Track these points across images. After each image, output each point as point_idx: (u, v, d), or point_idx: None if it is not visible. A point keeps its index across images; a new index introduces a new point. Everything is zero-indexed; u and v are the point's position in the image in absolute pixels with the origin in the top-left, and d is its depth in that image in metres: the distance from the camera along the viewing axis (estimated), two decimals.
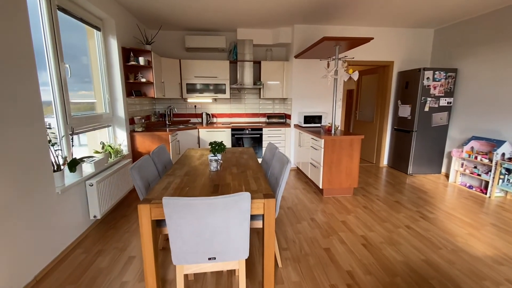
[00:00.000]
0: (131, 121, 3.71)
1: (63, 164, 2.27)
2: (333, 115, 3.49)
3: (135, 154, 3.72)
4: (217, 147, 2.17)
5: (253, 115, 5.18)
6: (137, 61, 3.63)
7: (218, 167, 2.11)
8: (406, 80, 4.43)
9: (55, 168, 2.19)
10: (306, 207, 3.12)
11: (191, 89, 4.65)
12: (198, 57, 4.84)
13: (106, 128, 3.40)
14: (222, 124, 4.83)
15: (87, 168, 2.66)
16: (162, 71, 4.25)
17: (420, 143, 4.31)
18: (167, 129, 4.03)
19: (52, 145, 2.12)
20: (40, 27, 2.27)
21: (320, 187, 3.42)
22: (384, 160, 4.99)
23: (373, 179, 4.22)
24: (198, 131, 4.52)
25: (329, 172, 3.37)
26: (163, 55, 4.73)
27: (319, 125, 4.35)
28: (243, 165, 2.29)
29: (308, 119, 4.32)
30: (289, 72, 4.66)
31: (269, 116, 4.97)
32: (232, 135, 4.59)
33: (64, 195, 2.23)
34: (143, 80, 3.72)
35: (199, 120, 5.05)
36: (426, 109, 4.20)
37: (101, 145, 2.97)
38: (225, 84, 4.66)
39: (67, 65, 2.48)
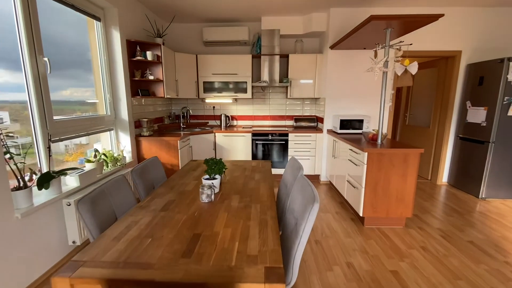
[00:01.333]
0: (137, 124, 3.28)
1: (30, 180, 1.84)
2: (381, 119, 2.67)
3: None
4: (214, 166, 1.55)
5: (278, 118, 4.48)
6: (145, 56, 3.18)
7: (213, 196, 1.48)
8: (480, 74, 3.37)
9: (20, 185, 1.76)
10: (340, 243, 2.36)
11: (209, 88, 4.12)
12: (218, 52, 4.29)
13: (108, 132, 3.01)
14: (243, 127, 4.23)
15: (72, 182, 2.23)
16: (176, 68, 3.78)
17: (500, 158, 3.24)
18: (181, 133, 3.55)
19: (11, 157, 1.68)
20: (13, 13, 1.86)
21: (360, 215, 2.62)
22: (443, 177, 3.95)
23: (431, 203, 3.26)
24: (215, 136, 3.97)
25: (373, 195, 2.56)
26: (178, 50, 4.27)
27: (359, 131, 3.51)
28: (251, 192, 1.63)
29: (345, 123, 3.51)
30: (322, 67, 3.89)
31: (297, 119, 4.24)
32: (253, 141, 3.95)
33: (29, 219, 1.79)
34: (151, 77, 3.26)
35: (218, 122, 4.50)
36: (510, 113, 3.13)
37: (93, 153, 2.54)
38: (246, 82, 4.05)
39: (46, 59, 2.06)
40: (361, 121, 3.49)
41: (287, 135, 3.91)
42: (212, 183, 1.52)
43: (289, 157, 3.96)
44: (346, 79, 3.66)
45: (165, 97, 3.44)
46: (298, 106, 4.43)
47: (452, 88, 3.69)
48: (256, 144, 3.96)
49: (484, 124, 3.29)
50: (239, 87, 4.10)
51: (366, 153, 2.48)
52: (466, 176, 3.58)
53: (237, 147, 3.98)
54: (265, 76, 4.03)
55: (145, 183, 1.85)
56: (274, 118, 4.48)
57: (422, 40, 3.54)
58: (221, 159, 1.61)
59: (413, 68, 2.51)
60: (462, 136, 3.66)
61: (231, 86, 4.11)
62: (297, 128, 4.13)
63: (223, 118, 4.30)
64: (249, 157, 3.99)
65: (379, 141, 2.70)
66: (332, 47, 3.49)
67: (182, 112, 4.23)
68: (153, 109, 3.79)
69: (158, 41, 3.39)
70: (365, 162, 2.50)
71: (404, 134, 4.78)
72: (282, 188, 2.00)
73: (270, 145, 3.96)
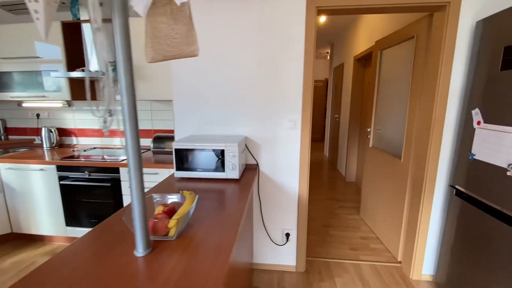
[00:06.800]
0: None
1: None
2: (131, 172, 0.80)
3: None
4: None
5: (143, 134, 2.64)
6: None
7: None
8: (508, 42, 1.34)
9: None
10: None
11: (8, 83, 2.38)
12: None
13: None
14: (76, 150, 2.45)
15: None
16: None
17: None
18: None
19: None
20: None
21: None
22: (423, 266, 1.92)
23: None
24: None
25: None
26: None
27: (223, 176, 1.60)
28: None
29: (189, 158, 1.61)
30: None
31: (159, 137, 2.39)
32: (59, 180, 2.15)
33: None
34: None
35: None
36: None
37: None
38: (57, 71, 2.26)
39: None
40: (220, 153, 1.56)
41: (117, 170, 2.07)
42: None
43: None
44: (215, 54, 1.76)
45: None
46: (165, 113, 2.55)
47: (443, 77, 1.67)
48: (64, 187, 2.15)
49: None
50: (55, 81, 2.32)
51: None
52: (472, 266, 1.55)
53: (36, 192, 2.20)
54: (87, 58, 2.22)
55: None
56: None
57: None
58: None
59: None
60: (462, 190, 1.62)
61: (39, 79, 2.34)
62: (157, 154, 2.29)
63: (44, 133, 2.55)
64: (60, 212, 2.19)
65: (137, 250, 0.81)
66: None
67: None
68: None
69: None
70: None
71: (368, 166, 2.75)
72: None
73: (89, 191, 2.14)
